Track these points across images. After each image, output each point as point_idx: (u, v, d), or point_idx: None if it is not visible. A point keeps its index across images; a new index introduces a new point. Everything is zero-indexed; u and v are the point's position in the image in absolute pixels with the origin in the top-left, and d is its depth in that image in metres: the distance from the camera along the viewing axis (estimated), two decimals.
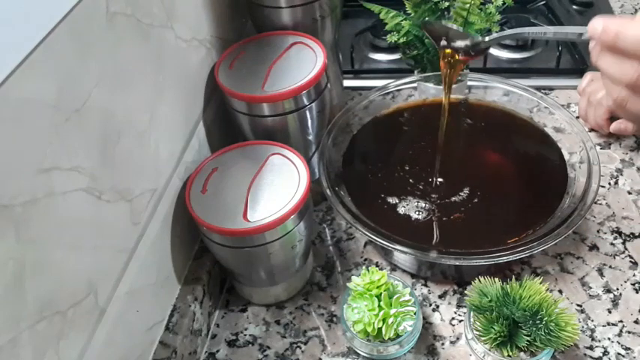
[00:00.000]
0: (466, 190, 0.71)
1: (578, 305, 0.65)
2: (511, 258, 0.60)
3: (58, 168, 0.42)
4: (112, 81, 0.49)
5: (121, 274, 0.52)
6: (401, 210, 0.70)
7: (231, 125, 0.72)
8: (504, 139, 0.79)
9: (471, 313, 0.60)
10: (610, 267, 0.69)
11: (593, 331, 0.63)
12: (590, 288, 0.67)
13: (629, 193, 0.77)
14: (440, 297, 0.68)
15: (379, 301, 0.59)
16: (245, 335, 0.66)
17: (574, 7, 1.07)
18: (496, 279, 0.59)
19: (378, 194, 0.72)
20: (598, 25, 0.46)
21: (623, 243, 0.71)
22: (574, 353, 0.61)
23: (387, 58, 1.03)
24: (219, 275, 0.70)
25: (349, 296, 0.62)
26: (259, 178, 0.62)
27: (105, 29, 0.48)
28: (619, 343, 0.62)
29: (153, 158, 0.58)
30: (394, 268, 0.71)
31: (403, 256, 0.69)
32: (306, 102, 0.68)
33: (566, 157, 0.73)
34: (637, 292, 0.66)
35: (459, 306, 0.66)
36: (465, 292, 0.64)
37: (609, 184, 0.78)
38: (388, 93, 0.82)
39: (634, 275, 0.68)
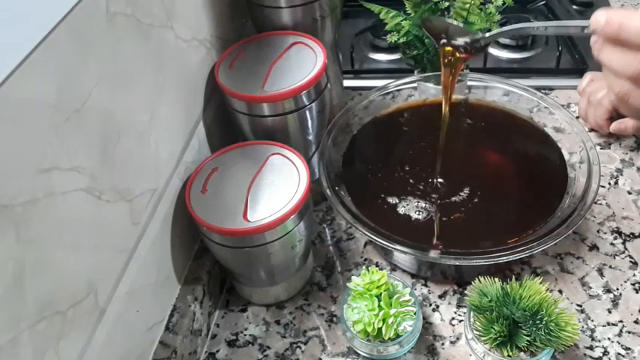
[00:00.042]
0: (466, 190, 0.71)
1: (578, 305, 0.65)
2: (511, 258, 0.60)
3: (58, 168, 0.42)
4: (112, 81, 0.49)
5: (121, 274, 0.52)
6: (401, 210, 0.70)
7: (231, 125, 0.72)
8: (504, 139, 0.79)
9: (471, 313, 0.60)
10: (610, 267, 0.69)
11: (593, 331, 0.63)
12: (590, 288, 0.67)
13: (629, 193, 0.77)
14: (440, 297, 0.68)
15: (379, 301, 0.59)
16: (245, 335, 0.66)
17: (574, 7, 1.07)
18: (496, 279, 0.59)
19: (378, 194, 0.72)
20: (601, 18, 0.45)
21: (623, 243, 0.71)
22: (574, 353, 0.61)
23: (387, 58, 1.03)
24: (219, 275, 0.70)
25: (349, 296, 0.62)
26: (259, 178, 0.62)
27: (105, 29, 0.48)
28: (619, 343, 0.62)
29: (153, 158, 0.58)
30: (394, 268, 0.71)
31: (403, 256, 0.69)
32: (306, 102, 0.68)
33: (566, 157, 0.73)
34: (637, 292, 0.66)
35: (459, 306, 0.66)
36: (465, 292, 0.64)
37: (609, 184, 0.78)
38: (388, 93, 0.82)
39: (634, 275, 0.68)
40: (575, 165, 0.71)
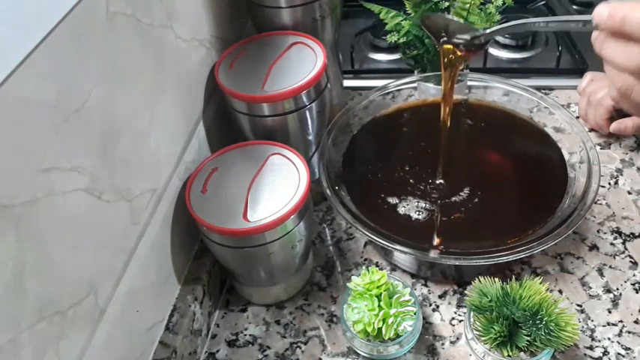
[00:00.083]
0: (466, 190, 0.71)
1: (578, 305, 0.65)
2: (511, 258, 0.60)
3: (58, 168, 0.42)
4: (112, 81, 0.49)
5: (121, 274, 0.52)
6: (401, 210, 0.70)
7: (231, 125, 0.72)
8: (504, 139, 0.79)
9: (471, 313, 0.60)
10: (610, 267, 0.69)
11: (593, 331, 0.63)
12: (590, 288, 0.67)
13: (629, 193, 0.77)
14: (440, 297, 0.68)
15: (379, 301, 0.59)
16: (245, 335, 0.66)
17: (574, 7, 1.07)
18: (496, 279, 0.59)
19: (378, 194, 0.72)
20: (604, 11, 0.45)
21: (623, 243, 0.71)
22: (574, 353, 0.61)
23: (387, 58, 1.03)
24: (219, 275, 0.70)
25: (349, 296, 0.62)
26: (259, 178, 0.62)
27: (105, 29, 0.48)
28: (619, 343, 0.62)
29: (153, 158, 0.58)
30: (394, 268, 0.71)
31: (403, 256, 0.69)
32: (306, 102, 0.68)
33: (566, 157, 0.73)
34: (637, 292, 0.66)
35: (459, 306, 0.66)
36: (465, 292, 0.64)
37: (609, 184, 0.78)
38: (388, 93, 0.82)
39: (634, 275, 0.68)
40: (575, 165, 0.71)
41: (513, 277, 0.63)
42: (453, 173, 0.73)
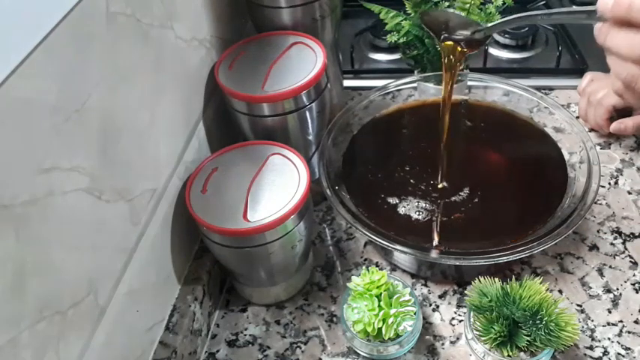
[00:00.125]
0: (466, 190, 0.71)
1: (578, 305, 0.65)
2: (511, 258, 0.60)
3: (58, 168, 0.42)
4: (112, 81, 0.49)
5: (121, 274, 0.52)
6: (401, 210, 0.70)
7: (231, 125, 0.72)
8: (504, 139, 0.79)
9: (471, 313, 0.60)
10: (610, 267, 0.69)
11: (593, 331, 0.63)
12: (590, 288, 0.67)
13: (629, 193, 0.77)
14: (440, 297, 0.68)
15: (379, 301, 0.59)
16: (245, 335, 0.66)
17: (574, 6, 1.07)
18: (496, 279, 0.59)
19: (378, 194, 0.72)
20: (609, 0, 0.45)
21: (623, 243, 0.71)
22: (574, 353, 0.61)
23: (387, 58, 1.03)
24: (219, 275, 0.70)
25: (349, 296, 0.62)
26: (259, 178, 0.62)
27: (105, 29, 0.48)
28: (619, 343, 0.62)
29: (153, 158, 0.58)
30: (394, 268, 0.71)
31: (403, 256, 0.69)
32: (306, 102, 0.68)
33: (566, 157, 0.73)
34: (637, 292, 0.66)
35: (459, 306, 0.66)
36: (465, 292, 0.64)
37: (609, 184, 0.78)
38: (388, 93, 0.82)
39: (634, 275, 0.68)
40: (575, 165, 0.71)
41: (513, 277, 0.63)
42: (453, 173, 0.73)
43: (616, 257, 0.70)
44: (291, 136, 0.70)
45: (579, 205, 0.64)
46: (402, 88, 0.83)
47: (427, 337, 0.64)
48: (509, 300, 0.57)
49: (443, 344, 0.63)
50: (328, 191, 0.68)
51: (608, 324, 0.63)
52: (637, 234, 0.72)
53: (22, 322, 0.38)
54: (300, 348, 0.64)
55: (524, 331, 0.56)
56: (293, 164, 0.63)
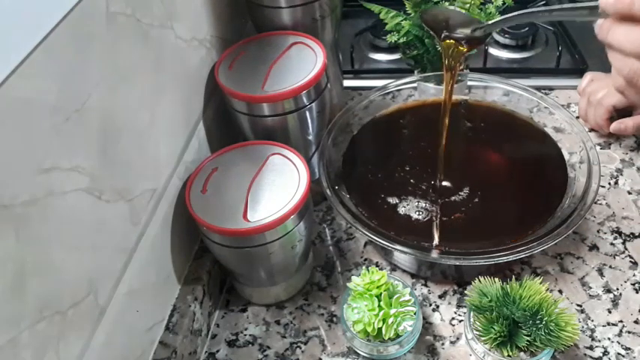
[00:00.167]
0: (466, 190, 0.71)
1: (578, 305, 0.65)
2: (511, 258, 0.60)
3: (58, 168, 0.42)
4: (112, 81, 0.49)
5: (121, 274, 0.52)
6: (401, 210, 0.70)
7: (231, 125, 0.72)
8: (504, 139, 0.79)
9: (471, 313, 0.60)
10: (610, 267, 0.69)
11: (593, 331, 0.63)
12: (590, 288, 0.67)
13: (629, 193, 0.77)
14: (440, 297, 0.68)
15: (379, 301, 0.59)
16: (245, 335, 0.66)
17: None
18: (496, 279, 0.59)
19: (378, 194, 0.72)
20: None
21: (623, 243, 0.71)
22: (574, 353, 0.61)
23: (387, 58, 1.03)
24: (219, 275, 0.70)
25: (349, 296, 0.62)
26: (259, 178, 0.62)
27: (105, 29, 0.48)
28: (619, 343, 0.62)
29: (153, 158, 0.58)
30: (394, 268, 0.71)
31: (403, 256, 0.69)
32: (306, 102, 0.68)
33: (566, 157, 0.73)
34: (637, 292, 0.66)
35: (459, 306, 0.66)
36: (465, 292, 0.64)
37: (609, 184, 0.78)
38: (388, 93, 0.82)
39: (634, 275, 0.68)
40: (575, 165, 0.71)
41: (513, 277, 0.63)
42: (453, 173, 0.73)
43: (616, 257, 0.70)
44: (291, 136, 0.70)
45: (579, 205, 0.64)
46: (402, 88, 0.83)
47: (427, 337, 0.64)
48: (509, 300, 0.57)
49: (443, 344, 0.63)
50: (328, 191, 0.68)
51: (608, 324, 0.63)
52: (637, 234, 0.72)
53: (22, 322, 0.38)
54: (300, 348, 0.64)
55: (524, 331, 0.56)
56: (293, 164, 0.63)
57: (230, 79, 0.68)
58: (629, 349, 0.61)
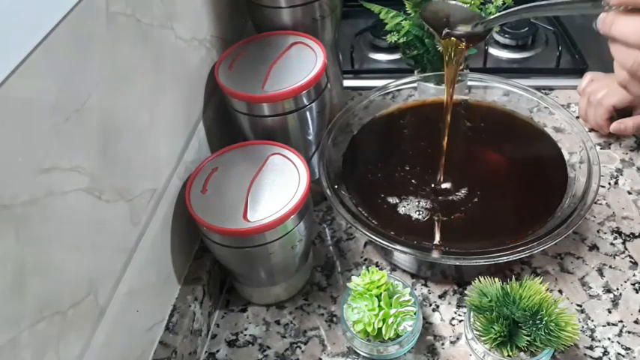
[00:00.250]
0: (466, 190, 0.71)
1: (578, 305, 0.65)
2: (511, 258, 0.60)
3: (58, 168, 0.42)
4: (112, 81, 0.49)
5: (121, 274, 0.52)
6: (401, 210, 0.70)
7: (231, 125, 0.72)
8: (504, 139, 0.79)
9: (471, 313, 0.60)
10: (610, 267, 0.69)
11: (593, 331, 0.63)
12: (590, 288, 0.67)
13: (629, 193, 0.77)
14: (440, 297, 0.68)
15: (379, 301, 0.59)
16: (245, 335, 0.66)
17: None
18: (496, 279, 0.59)
19: (378, 194, 0.72)
20: None
21: (623, 243, 0.71)
22: (574, 353, 0.61)
23: (387, 58, 1.03)
24: (219, 275, 0.70)
25: (349, 296, 0.62)
26: (259, 178, 0.62)
27: (105, 29, 0.48)
28: (619, 343, 0.62)
29: (153, 158, 0.58)
30: (394, 268, 0.71)
31: (403, 256, 0.69)
32: (306, 102, 0.68)
33: (566, 157, 0.73)
34: (637, 292, 0.66)
35: (459, 306, 0.66)
36: (465, 292, 0.64)
37: (609, 184, 0.78)
38: (388, 93, 0.82)
39: (634, 275, 0.68)
40: (575, 165, 0.71)
41: (513, 277, 0.63)
42: (453, 173, 0.73)
43: (616, 257, 0.70)
44: (291, 136, 0.70)
45: (579, 205, 0.64)
46: (402, 88, 0.83)
47: (427, 337, 0.64)
48: (509, 300, 0.57)
49: (443, 344, 0.63)
50: (328, 191, 0.68)
51: (608, 324, 0.63)
52: (637, 234, 0.72)
53: (22, 322, 0.38)
54: (300, 348, 0.64)
55: (524, 331, 0.56)
56: (293, 164, 0.63)
57: (230, 79, 0.68)
58: (629, 349, 0.61)
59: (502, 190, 0.73)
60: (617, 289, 0.66)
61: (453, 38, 0.62)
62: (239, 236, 0.58)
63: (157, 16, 0.56)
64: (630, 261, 0.69)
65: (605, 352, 0.61)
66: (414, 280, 0.70)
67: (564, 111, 0.75)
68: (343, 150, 0.77)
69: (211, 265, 0.67)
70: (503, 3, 0.78)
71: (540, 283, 0.57)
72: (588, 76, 0.84)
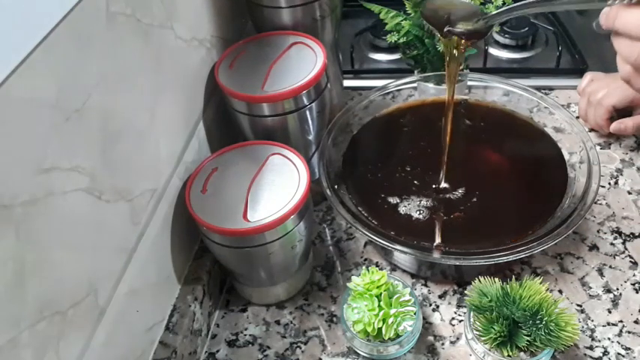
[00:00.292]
0: (466, 190, 0.71)
1: (578, 305, 0.65)
2: (511, 258, 0.60)
3: (58, 168, 0.42)
4: (112, 81, 0.49)
5: (121, 274, 0.52)
6: (401, 210, 0.70)
7: (231, 125, 0.72)
8: (504, 139, 0.79)
9: (471, 313, 0.60)
10: (610, 267, 0.69)
11: (593, 331, 0.63)
12: (590, 288, 0.67)
13: (629, 193, 0.77)
14: (440, 297, 0.68)
15: (379, 301, 0.59)
16: (245, 335, 0.66)
17: None
18: (496, 279, 0.59)
19: (378, 194, 0.72)
20: None
21: (623, 243, 0.71)
22: (574, 353, 0.61)
23: (387, 58, 1.03)
24: (219, 275, 0.70)
25: (349, 296, 0.62)
26: (259, 178, 0.62)
27: (105, 29, 0.48)
28: (619, 343, 0.62)
29: (153, 158, 0.58)
30: (394, 268, 0.71)
31: (403, 256, 0.69)
32: (306, 102, 0.68)
33: (566, 157, 0.73)
34: (637, 292, 0.66)
35: (459, 306, 0.66)
36: (465, 292, 0.64)
37: (609, 184, 0.78)
38: (388, 93, 0.82)
39: (634, 275, 0.68)
40: (575, 165, 0.71)
41: (513, 277, 0.63)
42: (453, 173, 0.73)
43: (616, 257, 0.70)
44: (291, 136, 0.70)
45: (579, 205, 0.64)
46: (402, 88, 0.83)
47: (427, 337, 0.64)
48: (509, 300, 0.57)
49: (443, 344, 0.63)
50: (328, 191, 0.68)
51: (608, 324, 0.63)
52: (637, 234, 0.72)
53: (22, 322, 0.38)
54: (300, 348, 0.64)
55: (524, 331, 0.56)
56: (293, 164, 0.63)
57: (230, 79, 0.68)
58: (629, 349, 0.61)
59: (502, 190, 0.73)
60: (617, 289, 0.66)
61: (454, 37, 0.61)
62: (239, 236, 0.58)
63: (156, 16, 0.56)
64: (630, 261, 0.69)
65: (605, 352, 0.61)
66: (414, 280, 0.70)
67: (564, 111, 0.75)
68: (343, 150, 0.77)
69: (211, 265, 0.67)
70: (504, 3, 0.78)
71: (540, 283, 0.57)
72: (588, 76, 0.84)
